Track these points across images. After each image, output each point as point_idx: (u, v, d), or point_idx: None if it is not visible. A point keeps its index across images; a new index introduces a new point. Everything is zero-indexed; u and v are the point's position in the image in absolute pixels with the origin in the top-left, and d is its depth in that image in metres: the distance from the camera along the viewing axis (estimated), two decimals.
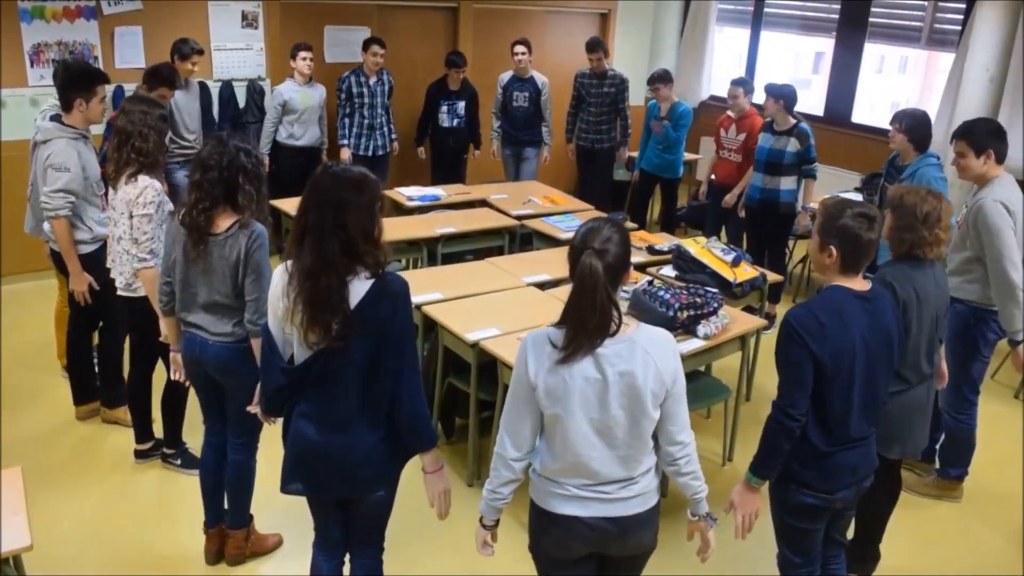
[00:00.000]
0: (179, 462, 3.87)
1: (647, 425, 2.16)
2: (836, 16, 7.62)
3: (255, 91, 6.55)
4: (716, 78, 8.77)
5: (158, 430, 3.94)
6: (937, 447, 4.03)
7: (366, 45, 6.37)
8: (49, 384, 4.60)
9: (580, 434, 2.13)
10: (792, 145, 5.53)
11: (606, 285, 2.04)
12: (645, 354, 2.11)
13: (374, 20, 7.13)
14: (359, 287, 2.28)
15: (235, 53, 6.50)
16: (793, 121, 5.56)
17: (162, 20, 6.10)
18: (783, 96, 5.50)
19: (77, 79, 3.80)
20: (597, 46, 6.66)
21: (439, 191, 6.00)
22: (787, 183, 5.59)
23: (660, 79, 6.47)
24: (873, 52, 7.96)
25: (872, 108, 8.28)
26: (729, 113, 6.19)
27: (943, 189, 3.98)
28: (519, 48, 6.70)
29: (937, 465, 4.08)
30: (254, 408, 2.78)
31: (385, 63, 6.46)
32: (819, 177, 5.75)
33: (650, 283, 4.11)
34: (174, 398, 3.77)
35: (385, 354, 2.34)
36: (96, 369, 4.26)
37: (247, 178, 2.81)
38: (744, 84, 6.09)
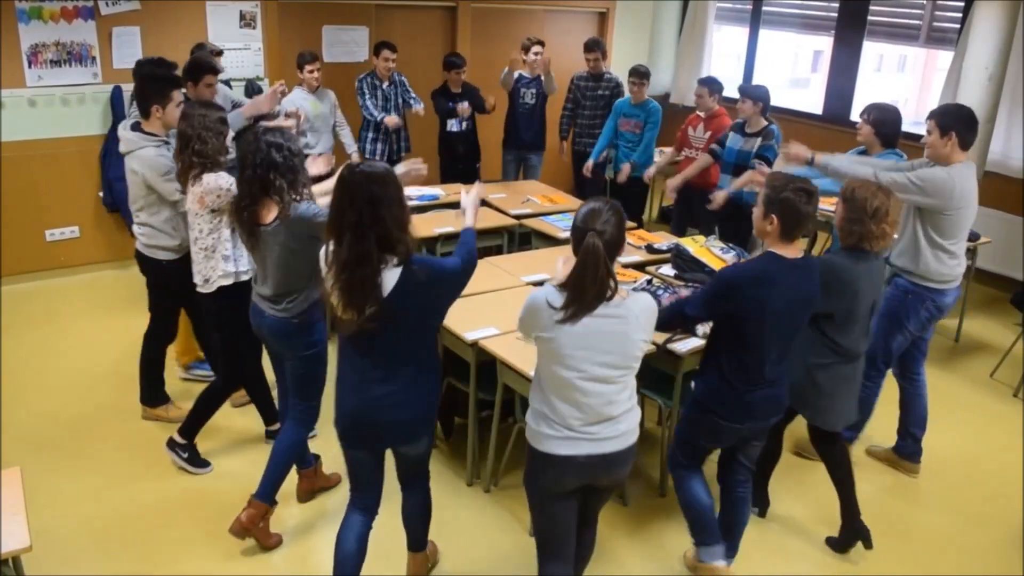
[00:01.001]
0: (185, 455, 3.86)
1: (631, 373, 2.55)
2: (835, 15, 7.63)
3: (254, 91, 6.54)
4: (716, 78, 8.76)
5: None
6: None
7: (377, 50, 6.23)
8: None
9: (573, 382, 2.48)
10: (755, 145, 5.35)
11: (606, 260, 2.39)
12: (635, 316, 2.47)
13: (372, 20, 7.13)
14: (391, 275, 2.52)
15: (233, 53, 6.48)
16: (765, 123, 5.38)
17: (160, 20, 6.09)
18: (761, 98, 5.33)
19: (153, 87, 3.86)
20: (595, 46, 6.58)
21: (438, 190, 5.99)
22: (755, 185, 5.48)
23: (647, 75, 6.41)
24: (872, 51, 7.97)
25: None
26: (699, 112, 6.13)
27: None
28: (537, 48, 6.55)
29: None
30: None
31: (395, 67, 6.31)
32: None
33: (649, 282, 4.12)
34: (214, 400, 3.84)
35: (422, 324, 2.66)
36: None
37: (278, 173, 3.00)
38: (710, 84, 5.96)
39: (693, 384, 3.12)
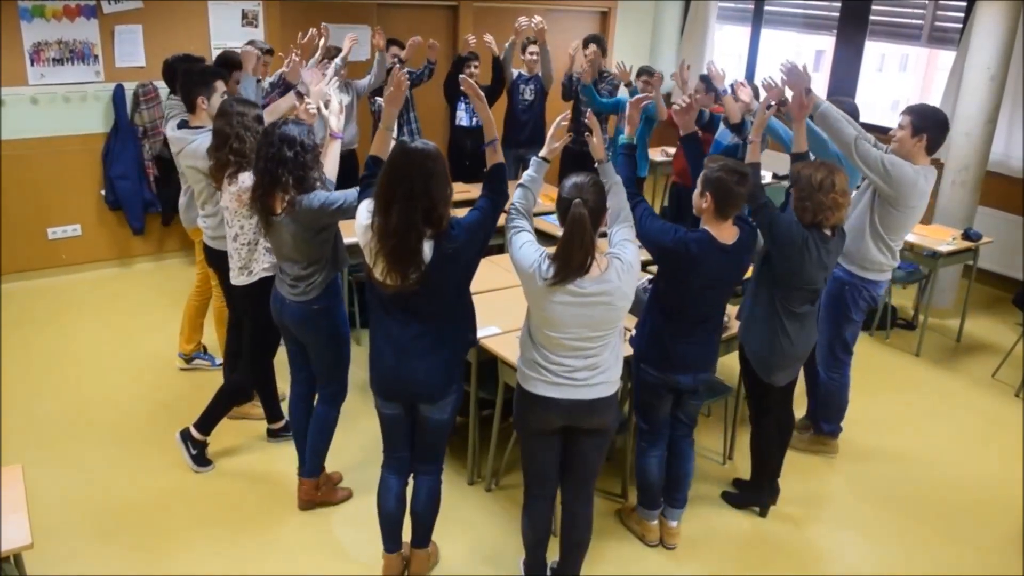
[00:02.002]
0: (195, 452, 3.87)
1: (613, 329, 2.76)
2: (837, 14, 7.62)
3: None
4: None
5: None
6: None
7: (386, 46, 6.22)
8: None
9: (561, 343, 2.71)
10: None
11: (590, 227, 2.60)
12: (618, 278, 2.68)
13: (374, 19, 7.13)
14: (426, 247, 2.67)
15: None
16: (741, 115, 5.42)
17: (162, 18, 6.10)
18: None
19: (196, 78, 3.95)
20: (594, 43, 6.51)
21: None
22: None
23: (653, 74, 6.38)
24: (874, 50, 7.96)
25: (873, 106, 8.28)
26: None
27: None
28: (532, 48, 6.56)
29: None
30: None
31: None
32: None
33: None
34: (234, 397, 3.92)
35: (456, 288, 2.84)
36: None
37: (286, 169, 3.08)
38: (706, 81, 6.01)
39: (631, 334, 3.36)
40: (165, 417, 4.26)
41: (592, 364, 2.77)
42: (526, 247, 2.74)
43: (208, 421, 3.86)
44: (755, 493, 3.79)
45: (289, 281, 3.30)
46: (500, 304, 4.01)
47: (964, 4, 6.60)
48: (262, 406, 4.14)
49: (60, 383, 4.62)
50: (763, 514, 3.77)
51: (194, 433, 3.86)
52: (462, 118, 6.60)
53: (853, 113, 5.20)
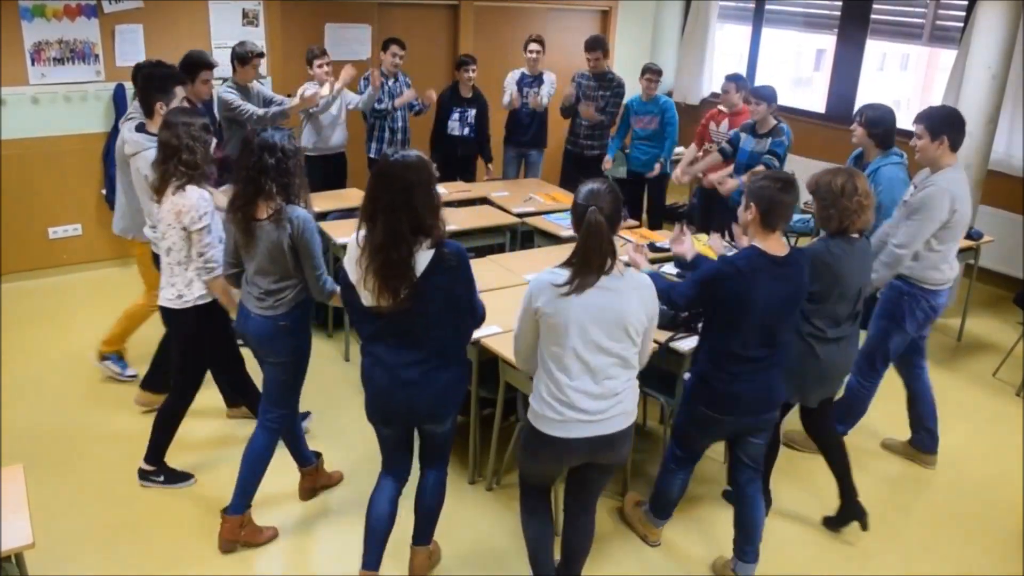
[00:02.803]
0: (161, 479, 3.76)
1: (631, 348, 2.65)
2: (838, 13, 7.61)
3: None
4: (717, 76, 8.75)
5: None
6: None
7: (385, 45, 6.20)
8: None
9: (576, 356, 2.60)
10: (766, 144, 5.41)
11: (608, 232, 2.55)
12: (634, 290, 2.62)
13: (375, 18, 7.13)
14: (423, 257, 2.63)
15: None
16: (774, 122, 5.45)
17: (163, 18, 6.10)
18: (773, 99, 5.40)
19: (156, 83, 3.86)
20: (596, 45, 6.45)
21: (440, 189, 5.95)
22: None
23: (660, 73, 6.45)
24: (875, 49, 7.95)
25: None
26: (721, 108, 6.15)
27: (902, 191, 3.93)
28: (533, 46, 6.54)
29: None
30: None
31: (403, 64, 6.29)
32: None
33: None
34: (173, 419, 3.70)
35: (449, 312, 2.73)
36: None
37: (267, 177, 3.01)
38: (738, 80, 6.05)
39: (687, 375, 3.18)
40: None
41: (608, 390, 2.64)
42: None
43: (154, 451, 3.73)
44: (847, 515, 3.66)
45: (257, 294, 3.19)
46: (502, 303, 4.00)
47: (965, 3, 6.59)
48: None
49: (61, 382, 4.61)
50: (864, 527, 3.62)
51: (146, 467, 3.75)
52: (454, 128, 6.57)
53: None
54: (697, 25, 8.68)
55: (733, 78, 6.06)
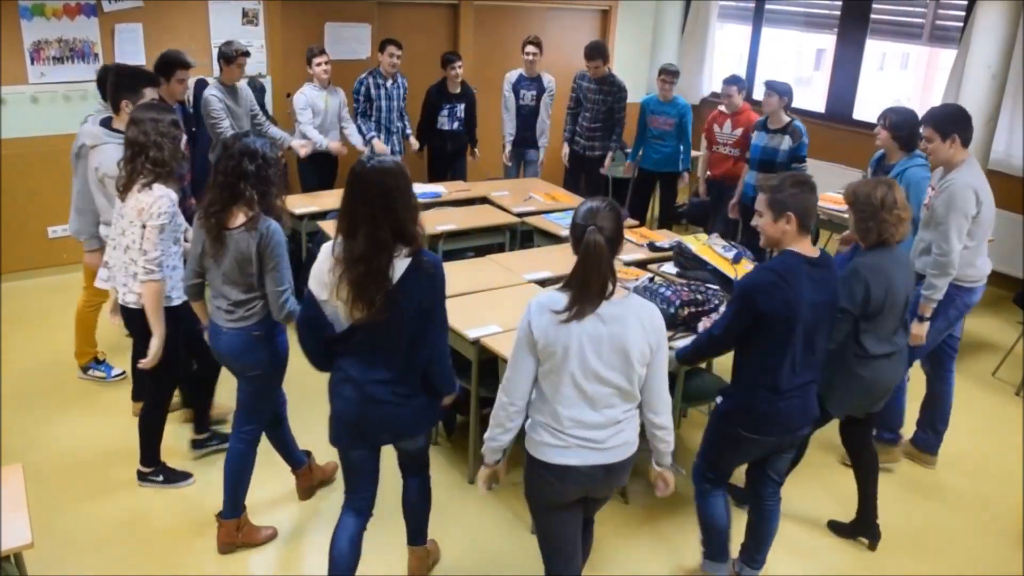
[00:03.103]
0: (160, 479, 3.75)
1: (633, 377, 2.47)
2: (838, 13, 7.61)
3: (255, 88, 6.52)
4: (717, 75, 8.75)
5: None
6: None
7: (382, 46, 6.21)
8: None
9: (575, 381, 2.44)
10: (785, 143, 5.57)
11: (608, 255, 2.38)
12: (635, 317, 2.44)
13: (374, 17, 7.12)
14: (400, 264, 2.54)
15: None
16: (787, 119, 5.58)
17: (162, 17, 6.09)
18: (786, 93, 5.54)
19: (127, 82, 3.79)
20: (596, 53, 6.40)
21: (440, 188, 5.99)
22: None
23: (677, 74, 6.51)
24: (875, 49, 7.95)
25: (873, 105, 8.27)
26: (722, 109, 6.20)
27: (926, 190, 3.97)
28: (530, 48, 6.57)
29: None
30: None
31: (400, 64, 6.32)
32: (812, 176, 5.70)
33: (651, 280, 4.11)
34: (157, 421, 3.68)
35: (425, 323, 2.62)
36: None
37: (247, 183, 2.92)
38: (738, 83, 6.12)
39: (719, 399, 3.08)
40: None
41: (608, 419, 2.48)
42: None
43: (147, 453, 3.73)
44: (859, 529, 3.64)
45: (226, 307, 3.07)
46: (502, 302, 4.01)
47: (965, 3, 6.59)
48: (194, 414, 3.94)
49: (60, 382, 4.61)
50: (872, 548, 3.61)
51: (143, 469, 3.75)
52: (443, 123, 6.61)
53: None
54: (697, 25, 8.68)
55: (733, 80, 6.11)
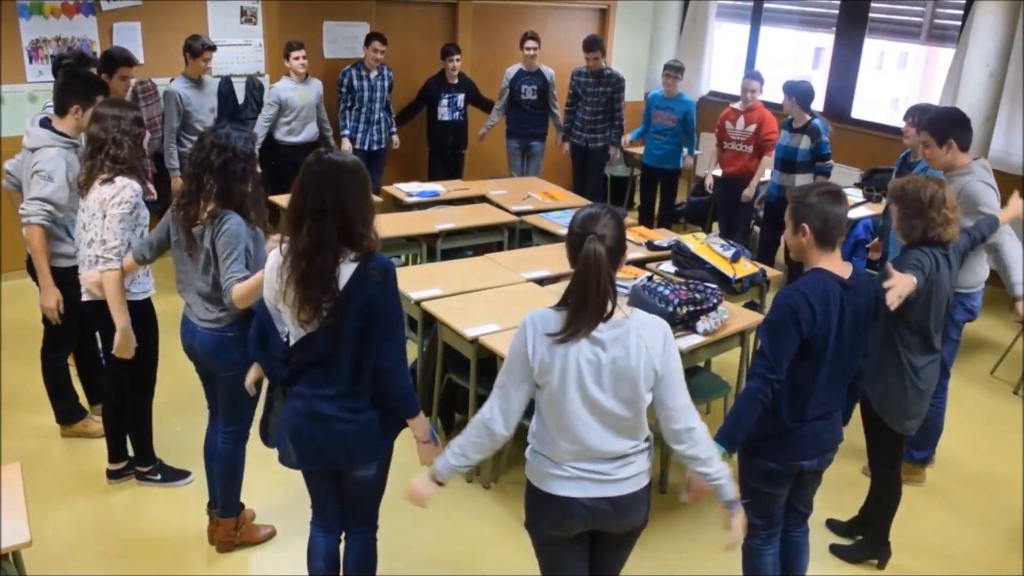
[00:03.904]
0: (158, 477, 3.74)
1: (640, 405, 2.23)
2: (836, 12, 7.61)
3: (254, 87, 6.54)
4: (716, 74, 8.77)
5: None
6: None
7: (367, 41, 6.44)
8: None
9: (575, 413, 2.20)
10: (804, 143, 5.61)
11: (608, 268, 2.13)
12: (638, 338, 2.18)
13: (373, 16, 7.12)
14: (347, 269, 2.37)
15: (234, 49, 6.48)
16: (808, 118, 5.61)
17: (161, 16, 6.09)
18: (796, 92, 5.58)
19: (81, 85, 3.60)
20: (594, 45, 6.61)
21: (438, 187, 6.00)
22: (801, 180, 5.59)
23: (682, 70, 6.56)
24: (873, 48, 7.95)
25: (872, 104, 8.28)
26: (734, 106, 6.21)
27: None
28: (531, 43, 6.72)
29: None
30: (252, 379, 2.81)
31: (384, 59, 6.51)
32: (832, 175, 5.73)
33: (649, 279, 4.11)
34: (137, 411, 3.63)
35: (372, 332, 2.42)
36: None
37: (212, 176, 2.84)
38: (759, 77, 6.15)
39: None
40: (167, 414, 4.24)
41: (613, 452, 2.26)
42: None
43: (140, 449, 3.71)
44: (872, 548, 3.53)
45: (201, 304, 3.01)
46: (500, 301, 4.01)
47: (963, 1, 6.59)
48: (106, 439, 3.74)
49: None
50: (881, 566, 3.51)
51: (141, 469, 3.73)
52: (443, 113, 6.72)
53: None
54: (695, 23, 8.67)
55: (754, 75, 6.15)
